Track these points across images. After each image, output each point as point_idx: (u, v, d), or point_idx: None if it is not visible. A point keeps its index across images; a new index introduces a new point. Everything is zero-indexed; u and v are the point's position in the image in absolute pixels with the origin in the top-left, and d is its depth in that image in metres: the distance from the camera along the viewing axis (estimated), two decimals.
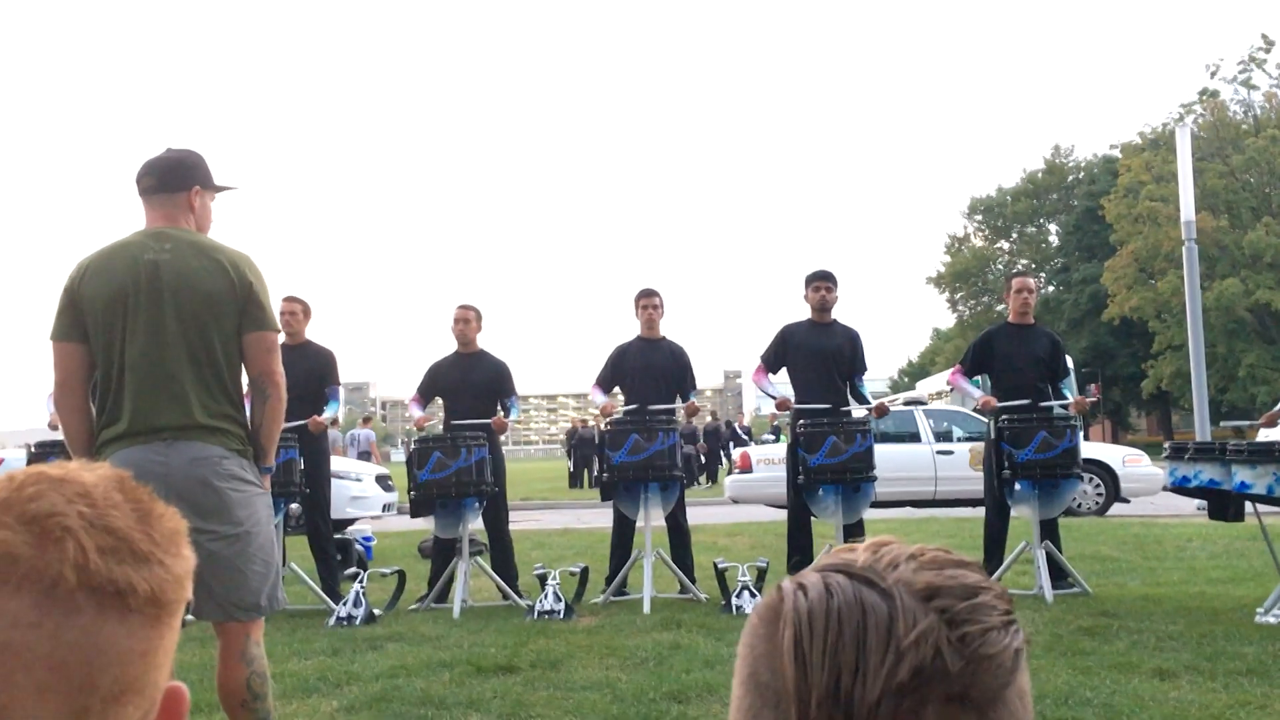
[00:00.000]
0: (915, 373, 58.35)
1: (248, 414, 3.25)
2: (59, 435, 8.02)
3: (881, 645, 0.65)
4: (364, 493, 13.05)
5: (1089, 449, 13.21)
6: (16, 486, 0.72)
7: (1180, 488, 6.24)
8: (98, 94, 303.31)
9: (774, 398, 7.23)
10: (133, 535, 0.73)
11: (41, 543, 0.70)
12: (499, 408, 7.29)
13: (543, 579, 6.61)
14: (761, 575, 6.66)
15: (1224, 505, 6.04)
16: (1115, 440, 43.48)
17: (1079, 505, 12.89)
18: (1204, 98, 39.23)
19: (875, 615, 0.66)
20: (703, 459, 25.12)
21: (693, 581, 7.01)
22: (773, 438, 22.95)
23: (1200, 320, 12.98)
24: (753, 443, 22.01)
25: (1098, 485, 13.34)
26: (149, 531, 0.74)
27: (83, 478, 0.74)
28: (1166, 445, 6.50)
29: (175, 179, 3.23)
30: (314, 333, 7.42)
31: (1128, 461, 13.57)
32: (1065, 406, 7.05)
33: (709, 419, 28.52)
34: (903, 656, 0.65)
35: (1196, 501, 6.76)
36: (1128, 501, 13.62)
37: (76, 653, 0.69)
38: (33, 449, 7.62)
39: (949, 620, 0.66)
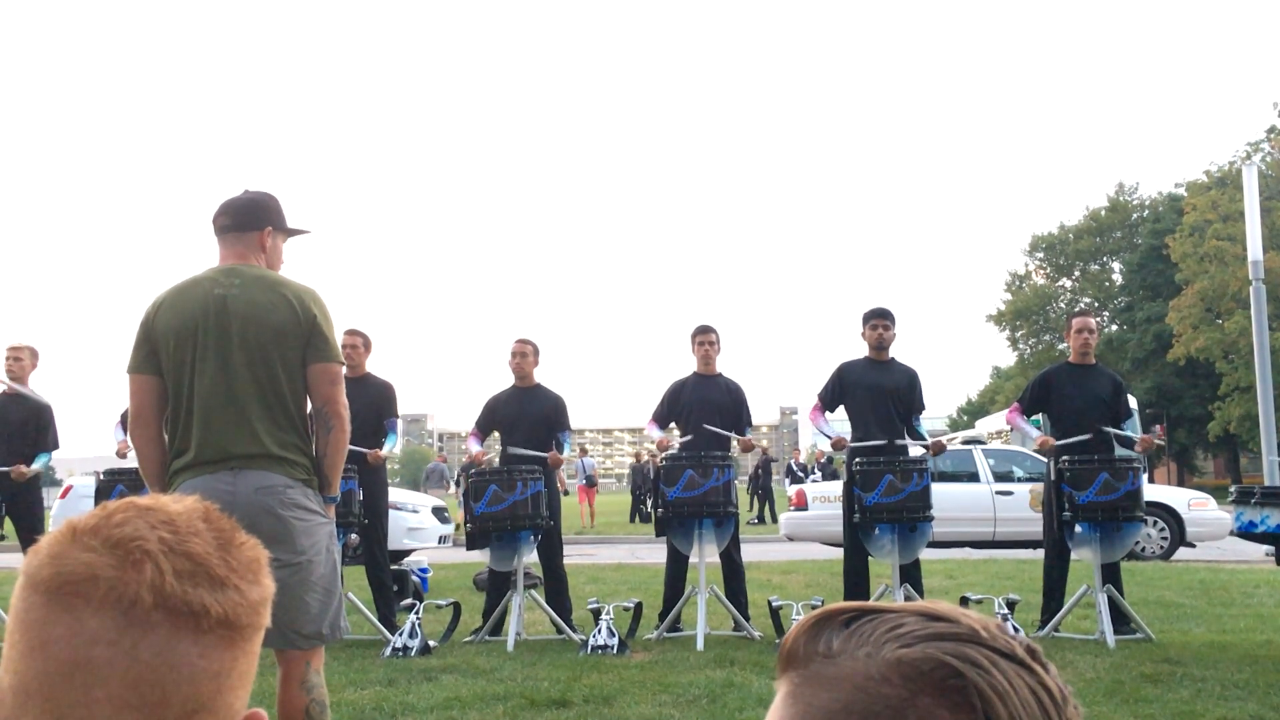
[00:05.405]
0: (974, 411, 57.63)
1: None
2: (126, 463, 8.22)
3: (1059, 713, 0.64)
4: (421, 524, 13.17)
5: (1153, 492, 12.98)
6: (107, 514, 0.76)
7: (1247, 533, 6.11)
8: (175, 147, 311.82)
9: (830, 437, 7.20)
10: (210, 561, 0.77)
11: (122, 565, 0.74)
12: (553, 442, 7.34)
13: (596, 613, 6.61)
14: None
15: None
16: (1181, 483, 42.52)
17: (1143, 549, 12.65)
18: (1272, 136, 38.56)
19: (1041, 687, 0.64)
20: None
21: (747, 619, 6.97)
22: (819, 475, 22.83)
23: (1269, 361, 12.71)
24: (815, 477, 21.94)
25: (1162, 529, 13.07)
26: (227, 559, 0.78)
27: (169, 508, 0.78)
28: (1233, 489, 6.37)
29: (249, 219, 3.34)
30: (374, 365, 7.54)
31: (1193, 505, 13.28)
32: (1130, 445, 6.91)
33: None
34: None
35: (1264, 547, 6.62)
36: (1193, 546, 13.32)
37: (151, 670, 0.73)
38: (101, 476, 7.81)
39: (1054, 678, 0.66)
